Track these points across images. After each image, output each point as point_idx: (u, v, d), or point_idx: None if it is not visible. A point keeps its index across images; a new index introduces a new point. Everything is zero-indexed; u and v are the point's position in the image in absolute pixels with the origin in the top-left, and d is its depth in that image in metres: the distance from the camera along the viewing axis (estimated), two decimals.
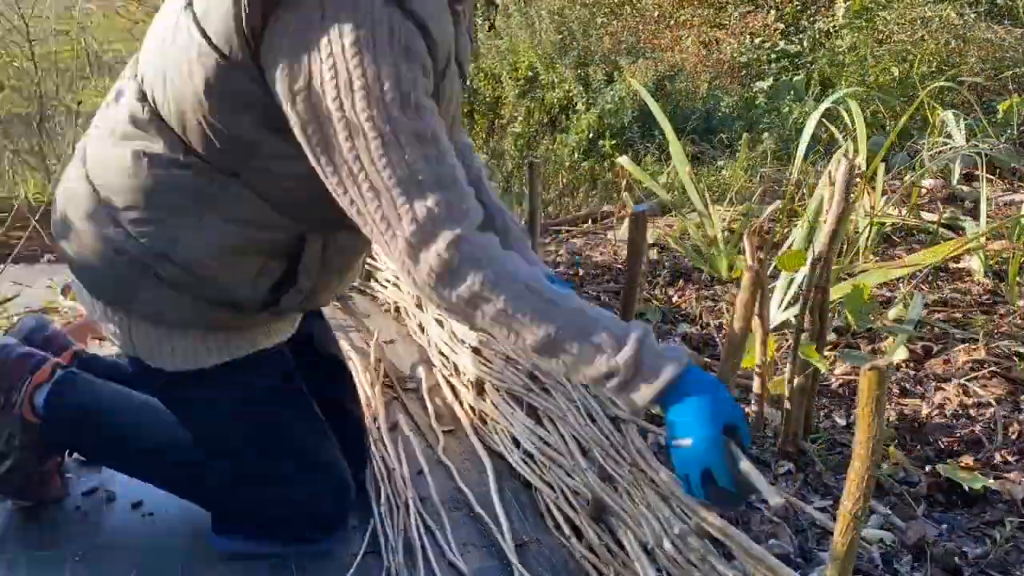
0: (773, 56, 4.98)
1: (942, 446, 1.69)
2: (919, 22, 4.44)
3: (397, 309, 2.48)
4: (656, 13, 5.47)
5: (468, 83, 1.39)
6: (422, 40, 1.07)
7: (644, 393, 1.03)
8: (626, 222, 2.96)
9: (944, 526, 1.47)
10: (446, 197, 1.05)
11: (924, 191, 3.17)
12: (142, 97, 1.21)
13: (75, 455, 1.61)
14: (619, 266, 2.70)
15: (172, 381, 1.35)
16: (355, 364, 2.10)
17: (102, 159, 1.25)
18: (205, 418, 1.40)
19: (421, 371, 2.06)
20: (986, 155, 3.13)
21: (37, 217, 2.66)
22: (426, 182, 1.04)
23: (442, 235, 1.03)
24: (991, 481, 1.54)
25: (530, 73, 4.53)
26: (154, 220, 1.21)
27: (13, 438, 1.43)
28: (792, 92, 4.43)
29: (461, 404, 1.93)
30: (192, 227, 1.21)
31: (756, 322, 1.60)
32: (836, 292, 1.89)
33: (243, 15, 1.05)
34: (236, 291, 1.27)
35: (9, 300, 2.19)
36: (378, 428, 1.80)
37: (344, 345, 2.21)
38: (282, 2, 1.04)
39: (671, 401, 1.03)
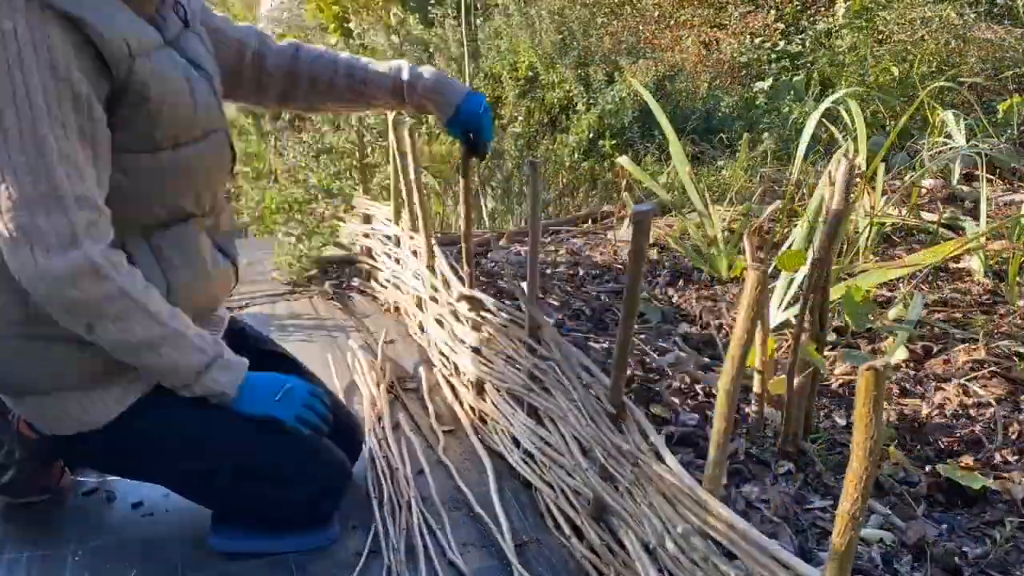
0: (773, 56, 4.98)
1: (942, 446, 1.69)
2: (919, 22, 4.44)
3: (397, 309, 2.48)
4: (656, 13, 5.47)
5: (213, 78, 1.44)
6: (68, 32, 1.12)
7: (241, 370, 1.37)
8: (626, 222, 2.97)
9: (944, 526, 1.47)
10: (94, 212, 1.19)
11: (924, 191, 3.17)
12: None
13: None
14: (619, 266, 2.70)
15: (113, 437, 1.36)
16: (360, 364, 2.10)
17: None
18: (164, 452, 1.40)
19: (421, 371, 2.06)
20: (986, 155, 3.13)
21: None
22: (71, 196, 1.16)
23: (95, 242, 1.18)
24: (991, 481, 1.54)
25: (530, 73, 4.53)
26: None
27: (13, 452, 1.46)
28: (792, 92, 4.43)
29: (461, 404, 1.93)
30: (14, 291, 1.23)
31: (756, 322, 1.60)
32: (836, 292, 1.89)
33: None
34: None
35: None
36: (383, 428, 1.80)
37: (351, 344, 2.21)
38: None
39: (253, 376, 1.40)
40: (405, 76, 1.61)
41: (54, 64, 1.11)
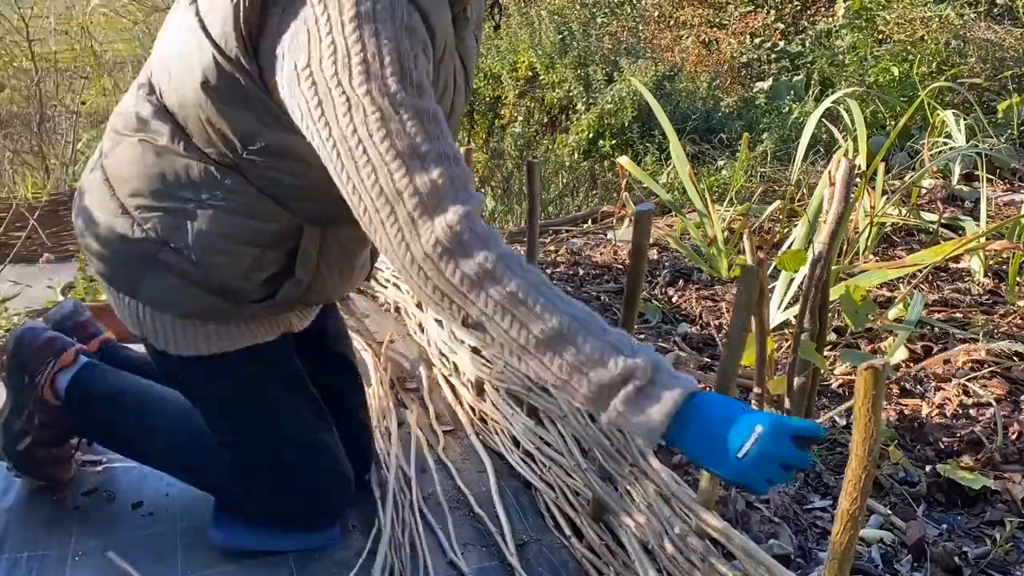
0: (773, 56, 4.98)
1: (942, 446, 1.69)
2: (919, 22, 4.44)
3: (397, 309, 2.48)
4: (656, 13, 5.47)
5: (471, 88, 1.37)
6: (422, 22, 1.07)
7: (665, 402, 0.90)
8: (626, 222, 2.97)
9: (944, 526, 1.47)
10: (451, 172, 0.98)
11: (924, 191, 3.17)
12: (150, 90, 1.25)
13: (89, 441, 1.63)
14: (619, 266, 2.70)
15: (181, 366, 1.37)
16: (360, 363, 2.11)
17: (114, 150, 1.29)
18: (211, 403, 1.42)
19: (421, 371, 2.06)
20: (986, 155, 3.13)
21: (35, 216, 2.66)
22: (429, 156, 0.98)
23: (451, 208, 0.96)
24: (991, 481, 1.54)
25: (530, 73, 4.53)
26: (157, 208, 1.25)
27: (33, 417, 1.48)
28: (792, 92, 4.43)
29: (461, 404, 1.93)
30: (193, 216, 1.24)
31: (756, 322, 1.60)
32: (836, 292, 1.89)
33: (240, 11, 1.06)
34: (233, 281, 1.28)
35: (9, 300, 2.19)
36: (383, 427, 1.80)
37: (358, 344, 2.21)
38: None
39: (692, 416, 0.90)
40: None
41: (407, 24, 1.04)
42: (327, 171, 1.06)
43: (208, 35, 1.11)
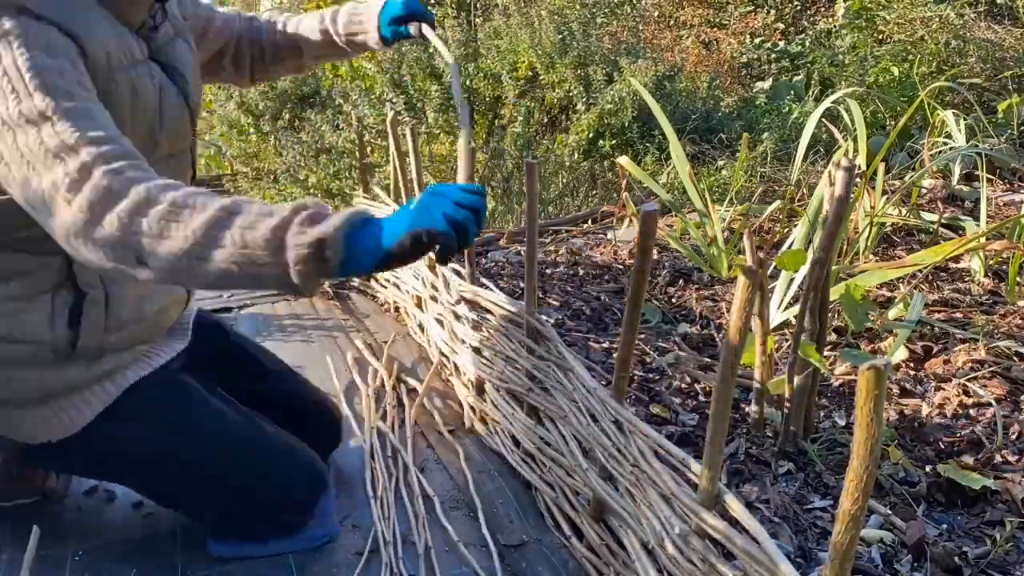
0: (773, 56, 4.98)
1: (942, 446, 1.69)
2: (919, 22, 4.44)
3: (397, 309, 2.48)
4: (656, 13, 5.47)
5: (189, 91, 1.38)
6: (63, 37, 1.10)
7: (334, 220, 0.94)
8: (626, 222, 2.97)
9: (944, 526, 1.47)
10: (100, 149, 1.02)
11: (924, 191, 3.17)
12: None
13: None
14: (619, 266, 2.70)
15: (78, 445, 1.33)
16: (360, 363, 2.10)
17: None
18: (130, 458, 1.38)
19: (421, 371, 2.06)
20: (986, 155, 3.13)
21: None
22: (79, 143, 1.02)
23: (95, 171, 1.00)
24: (991, 481, 1.54)
25: (530, 73, 4.53)
26: None
27: None
28: (792, 92, 4.43)
29: (461, 404, 1.93)
30: None
31: (756, 322, 1.60)
32: (836, 292, 1.89)
33: None
34: (39, 340, 1.25)
35: None
36: (383, 427, 1.80)
37: (358, 344, 2.21)
38: None
39: (361, 223, 0.96)
40: (327, 18, 1.62)
41: (50, 47, 1.10)
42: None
43: None
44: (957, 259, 2.57)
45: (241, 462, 1.41)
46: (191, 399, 1.41)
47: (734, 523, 1.01)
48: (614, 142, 4.06)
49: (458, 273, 1.87)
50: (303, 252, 0.93)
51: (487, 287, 1.75)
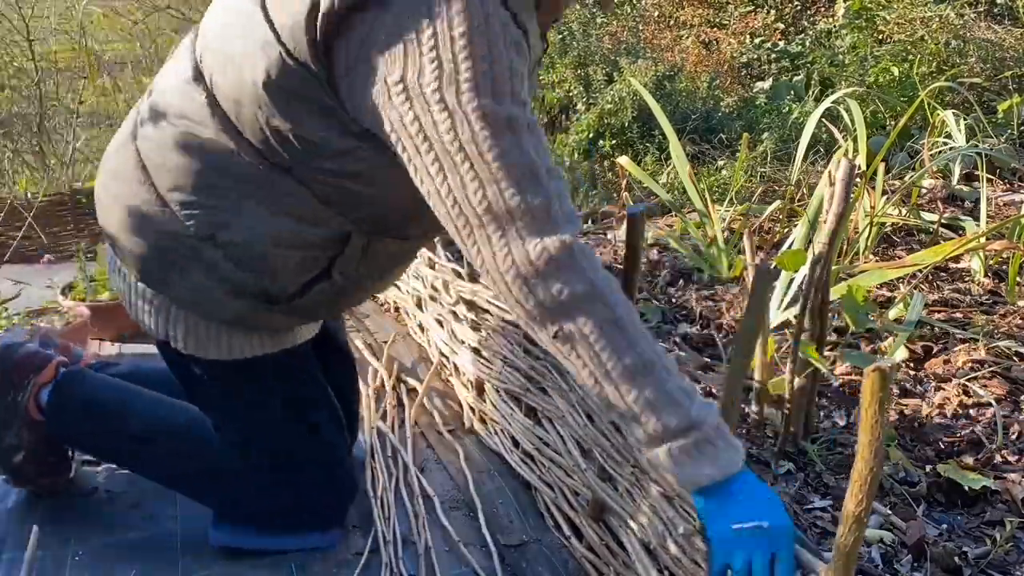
0: (773, 56, 4.98)
1: (942, 446, 1.69)
2: (919, 22, 4.44)
3: (397, 309, 2.48)
4: (656, 13, 5.47)
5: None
6: (524, 38, 1.03)
7: (720, 468, 0.93)
8: (626, 222, 2.96)
9: (944, 526, 1.47)
10: (559, 190, 0.99)
11: (924, 191, 3.17)
12: (198, 77, 1.16)
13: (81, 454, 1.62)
14: (619, 266, 2.70)
15: (201, 369, 1.35)
16: (360, 363, 2.10)
17: (152, 138, 1.21)
18: (226, 409, 1.41)
19: (421, 371, 2.06)
20: (986, 155, 3.12)
21: (32, 214, 2.66)
22: (541, 174, 0.98)
23: (561, 227, 0.97)
24: (991, 481, 1.54)
25: None
26: (201, 204, 1.18)
27: (21, 435, 1.47)
28: (792, 92, 4.43)
29: (461, 404, 1.92)
30: (239, 215, 1.17)
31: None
32: (836, 292, 1.89)
33: (319, 13, 1.00)
34: (271, 283, 1.24)
35: (9, 300, 2.19)
36: (383, 427, 1.80)
37: (358, 343, 2.21)
38: (368, 5, 0.98)
39: (734, 483, 0.94)
40: None
41: (514, 40, 1.01)
42: (394, 182, 1.05)
43: (274, 29, 1.04)
44: (957, 259, 2.57)
45: (307, 462, 1.42)
46: (306, 385, 1.43)
47: None
48: (614, 142, 4.05)
49: (458, 273, 1.87)
50: (665, 463, 0.95)
51: (487, 287, 1.75)
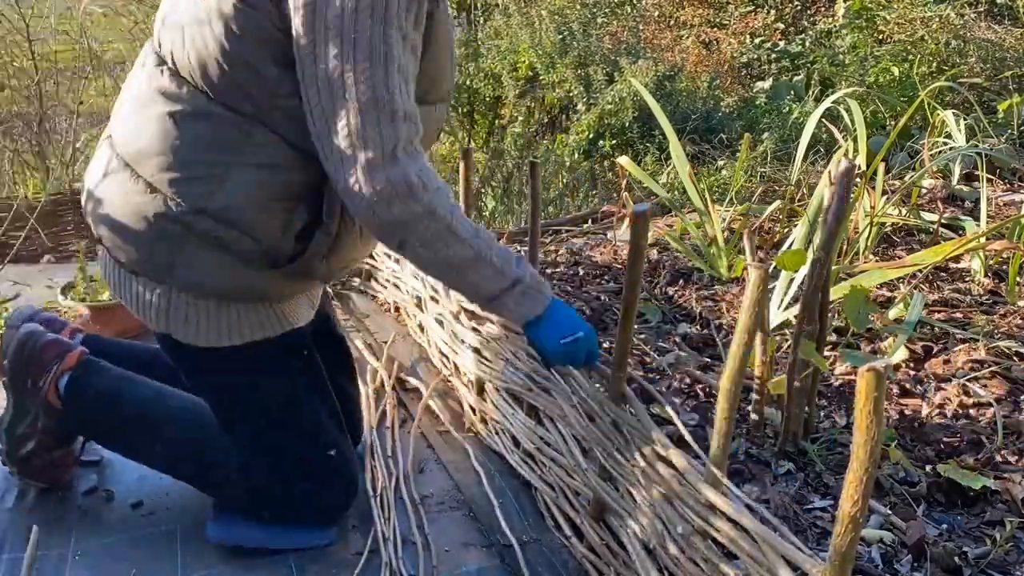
0: (773, 56, 4.98)
1: (942, 446, 1.69)
2: (919, 22, 4.44)
3: (397, 309, 2.48)
4: (656, 13, 5.47)
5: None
6: None
7: (539, 301, 1.29)
8: (626, 222, 2.96)
9: (944, 526, 1.47)
10: (415, 128, 1.18)
11: (924, 191, 3.17)
12: (160, 62, 1.27)
13: (91, 442, 1.62)
14: (619, 266, 2.70)
15: (203, 357, 1.37)
16: (360, 363, 2.10)
17: (129, 131, 1.29)
18: (228, 398, 1.42)
19: (421, 371, 2.06)
20: (986, 155, 3.12)
21: (35, 216, 2.66)
22: (402, 109, 1.15)
23: (413, 159, 1.17)
24: (991, 481, 1.54)
25: (530, 73, 4.52)
26: (188, 178, 1.25)
27: (37, 421, 1.48)
28: (792, 92, 4.43)
29: (461, 404, 1.93)
30: (225, 178, 1.24)
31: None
32: (836, 292, 1.89)
33: None
34: (270, 239, 1.28)
35: (9, 300, 2.19)
36: (383, 428, 1.80)
37: (358, 343, 2.21)
38: None
39: (547, 312, 1.30)
40: None
41: None
42: None
43: None
44: (957, 259, 2.57)
45: (306, 456, 1.43)
46: (306, 373, 1.46)
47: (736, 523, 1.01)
48: (614, 142, 4.05)
49: None
50: (502, 311, 1.31)
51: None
